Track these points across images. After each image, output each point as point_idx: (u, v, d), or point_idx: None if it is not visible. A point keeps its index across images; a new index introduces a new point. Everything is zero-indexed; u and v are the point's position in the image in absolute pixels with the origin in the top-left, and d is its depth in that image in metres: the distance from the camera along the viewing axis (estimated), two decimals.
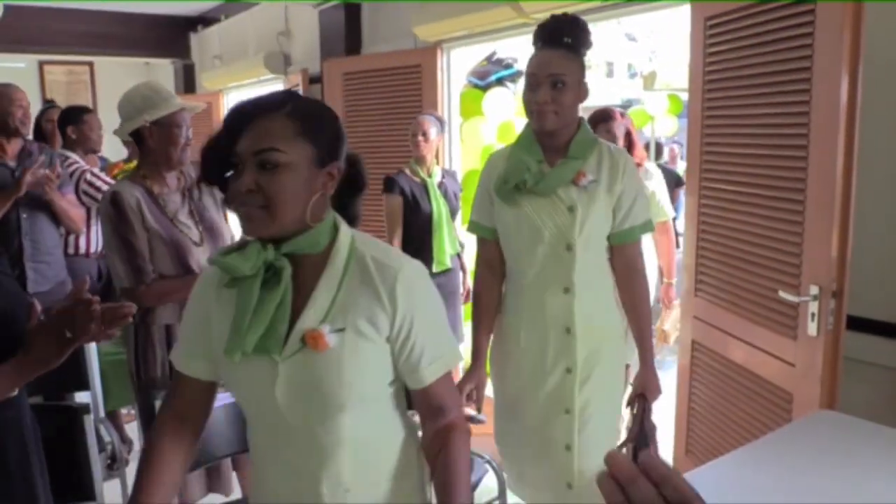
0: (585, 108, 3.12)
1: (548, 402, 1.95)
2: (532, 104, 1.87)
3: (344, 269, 1.20)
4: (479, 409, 2.09)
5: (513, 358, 2.00)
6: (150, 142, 2.20)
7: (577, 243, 1.87)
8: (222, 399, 2.05)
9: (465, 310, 3.64)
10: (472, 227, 2.08)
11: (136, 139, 2.23)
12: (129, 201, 2.15)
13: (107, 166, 4.25)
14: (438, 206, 3.48)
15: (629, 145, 3.00)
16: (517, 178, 1.87)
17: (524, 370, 1.98)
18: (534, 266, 1.92)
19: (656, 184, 3.10)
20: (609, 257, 1.97)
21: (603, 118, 3.02)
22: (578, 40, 1.87)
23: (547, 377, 1.94)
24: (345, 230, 1.23)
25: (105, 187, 3.37)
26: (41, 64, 7.51)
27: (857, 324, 2.12)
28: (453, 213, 3.52)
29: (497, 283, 2.05)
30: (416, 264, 1.24)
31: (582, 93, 1.90)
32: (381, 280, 1.18)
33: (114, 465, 2.58)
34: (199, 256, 2.24)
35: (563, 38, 1.85)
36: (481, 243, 2.09)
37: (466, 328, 3.26)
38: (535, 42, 1.90)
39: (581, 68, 1.89)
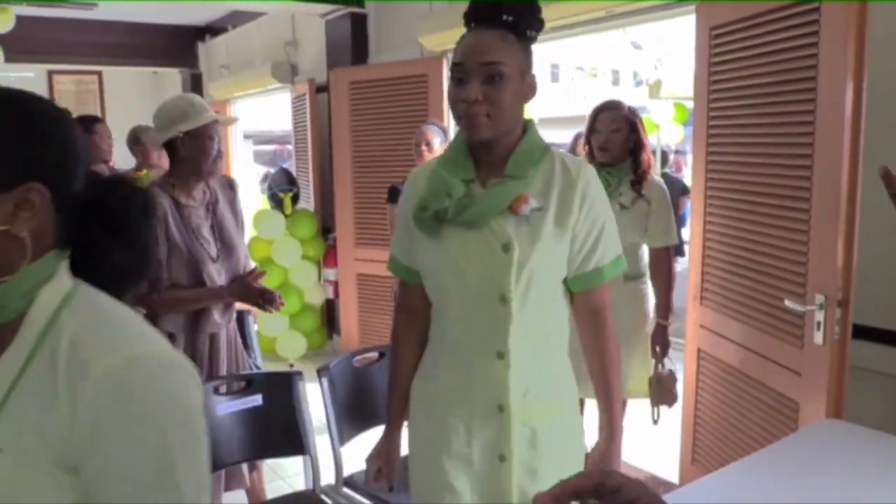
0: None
1: (477, 497, 1.48)
2: (458, 104, 1.38)
3: (31, 352, 0.78)
4: (390, 488, 1.69)
5: (433, 437, 1.52)
6: (183, 152, 2.26)
7: (514, 295, 1.39)
8: (230, 406, 2.08)
9: None
10: (390, 263, 1.63)
11: (169, 150, 2.29)
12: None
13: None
14: None
15: (636, 146, 2.66)
16: (437, 203, 1.41)
17: (446, 454, 1.49)
18: (458, 322, 1.45)
19: (660, 200, 2.66)
20: (567, 303, 1.51)
21: (606, 107, 2.71)
22: (522, 18, 1.38)
23: (474, 465, 1.47)
24: (50, 291, 0.81)
25: None
26: (50, 73, 7.57)
27: (863, 333, 2.12)
28: None
29: (419, 337, 1.59)
30: (143, 359, 0.78)
31: (526, 88, 1.41)
32: (65, 375, 0.75)
33: None
34: (213, 271, 2.29)
35: (500, 15, 1.37)
36: (401, 286, 1.64)
37: None
38: (466, 22, 1.42)
39: (525, 56, 1.41)
